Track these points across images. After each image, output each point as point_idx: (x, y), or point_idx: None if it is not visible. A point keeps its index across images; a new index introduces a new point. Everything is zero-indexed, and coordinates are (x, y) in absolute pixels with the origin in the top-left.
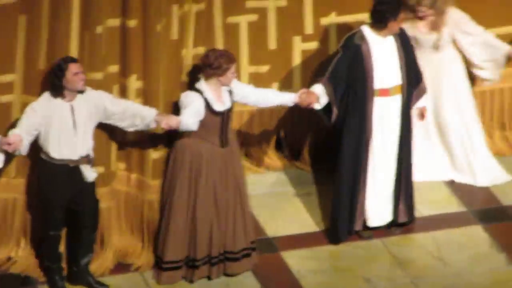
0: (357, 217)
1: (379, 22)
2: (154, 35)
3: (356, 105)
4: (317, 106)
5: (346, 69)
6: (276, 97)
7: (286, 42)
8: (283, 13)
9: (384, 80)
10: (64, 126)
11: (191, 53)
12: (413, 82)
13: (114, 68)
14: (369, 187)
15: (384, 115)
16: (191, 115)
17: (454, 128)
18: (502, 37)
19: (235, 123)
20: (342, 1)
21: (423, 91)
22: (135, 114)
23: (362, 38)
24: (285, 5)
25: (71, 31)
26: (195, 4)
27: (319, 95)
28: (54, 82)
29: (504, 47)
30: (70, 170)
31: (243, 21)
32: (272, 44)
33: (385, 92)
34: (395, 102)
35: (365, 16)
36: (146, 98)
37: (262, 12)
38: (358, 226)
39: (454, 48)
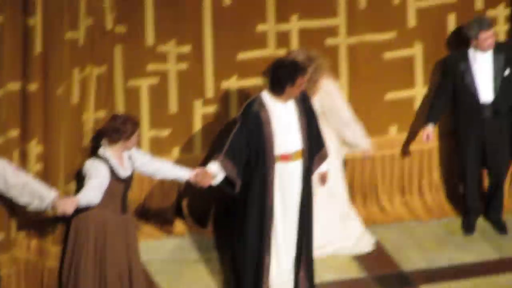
0: (261, 284)
1: (276, 87)
2: (55, 99)
3: (257, 171)
4: (214, 182)
5: (245, 139)
6: (172, 171)
7: (187, 105)
8: (184, 77)
9: (284, 145)
10: None
11: (92, 117)
12: (315, 147)
13: (14, 133)
14: (272, 253)
15: (286, 181)
16: (94, 189)
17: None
18: (403, 101)
19: (137, 188)
20: (242, 64)
21: (325, 156)
22: (34, 192)
23: (261, 104)
24: (185, 68)
25: None
26: (96, 68)
27: (215, 174)
28: None
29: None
30: None
31: (143, 84)
32: (173, 107)
33: (286, 158)
34: (297, 167)
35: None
36: (47, 162)
37: (162, 75)
38: None
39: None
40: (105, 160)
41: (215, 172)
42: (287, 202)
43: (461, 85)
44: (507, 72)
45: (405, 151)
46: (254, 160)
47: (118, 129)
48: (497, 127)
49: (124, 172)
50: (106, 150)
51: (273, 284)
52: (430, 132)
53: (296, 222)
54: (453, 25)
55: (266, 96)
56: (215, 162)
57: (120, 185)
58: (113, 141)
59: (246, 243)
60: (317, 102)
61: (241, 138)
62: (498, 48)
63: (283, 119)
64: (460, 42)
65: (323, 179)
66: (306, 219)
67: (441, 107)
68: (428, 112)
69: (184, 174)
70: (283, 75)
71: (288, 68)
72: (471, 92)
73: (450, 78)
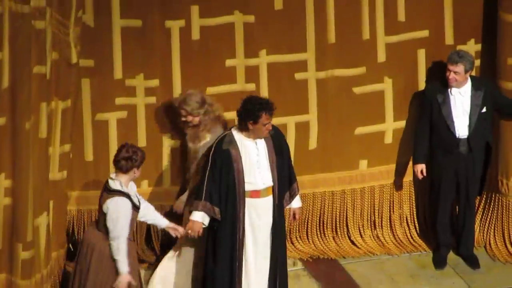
0: None
1: (241, 125)
2: (23, 133)
3: (228, 206)
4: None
5: (218, 177)
6: (153, 216)
7: (156, 139)
8: (153, 110)
9: (254, 182)
10: None
11: (57, 151)
12: (285, 183)
13: None
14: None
15: (256, 216)
16: (126, 234)
17: None
18: (373, 135)
19: None
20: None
21: (295, 192)
22: None
23: (231, 141)
24: (154, 102)
25: None
26: (61, 102)
27: (203, 221)
28: None
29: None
30: None
31: (112, 117)
32: (142, 141)
33: (256, 194)
34: (267, 203)
35: (230, 115)
36: (15, 197)
37: (131, 109)
38: None
39: None
40: (126, 194)
41: (202, 219)
42: (258, 237)
43: (438, 117)
44: (484, 109)
45: (376, 184)
46: (224, 196)
47: (131, 158)
48: (470, 162)
49: (136, 201)
50: (119, 182)
51: None
52: (423, 168)
53: (268, 258)
54: (423, 60)
55: (236, 133)
56: (198, 209)
57: (136, 214)
58: (126, 170)
59: (216, 277)
60: (203, 147)
61: (215, 178)
62: (477, 84)
63: (252, 157)
64: (432, 76)
65: (294, 215)
66: (280, 255)
67: (426, 145)
68: (415, 153)
69: (163, 222)
70: (247, 112)
71: (252, 106)
72: (447, 125)
73: (428, 110)
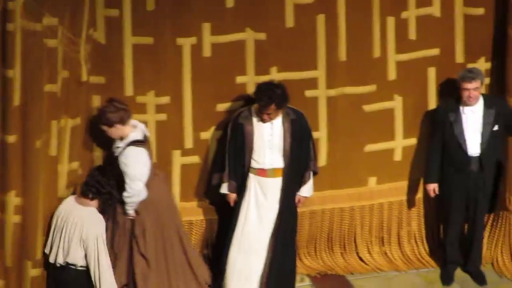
0: None
1: None
2: (34, 151)
3: (238, 179)
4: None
5: (233, 150)
6: None
7: (166, 156)
8: (163, 127)
9: (262, 161)
10: None
11: (66, 169)
12: (300, 169)
13: None
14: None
15: (262, 194)
16: None
17: None
18: (383, 153)
19: None
20: (221, 115)
21: (304, 180)
22: None
23: (247, 117)
24: (165, 119)
25: None
26: (70, 119)
27: (235, 192)
28: None
29: None
30: None
31: None
32: (152, 157)
33: (262, 173)
34: (274, 184)
35: None
36: (25, 215)
37: None
38: None
39: None
40: None
41: (233, 189)
42: (263, 215)
43: (450, 136)
44: (496, 127)
45: (385, 201)
46: (234, 169)
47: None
48: (481, 180)
49: None
50: None
51: None
52: (435, 187)
53: (270, 239)
54: (434, 78)
55: (254, 110)
56: (226, 184)
57: None
58: None
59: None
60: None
61: (235, 151)
62: (489, 102)
63: (265, 136)
64: (444, 95)
65: (299, 201)
66: (285, 239)
67: (438, 164)
68: (427, 172)
69: None
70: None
71: (257, 90)
72: (459, 143)
73: (440, 128)
